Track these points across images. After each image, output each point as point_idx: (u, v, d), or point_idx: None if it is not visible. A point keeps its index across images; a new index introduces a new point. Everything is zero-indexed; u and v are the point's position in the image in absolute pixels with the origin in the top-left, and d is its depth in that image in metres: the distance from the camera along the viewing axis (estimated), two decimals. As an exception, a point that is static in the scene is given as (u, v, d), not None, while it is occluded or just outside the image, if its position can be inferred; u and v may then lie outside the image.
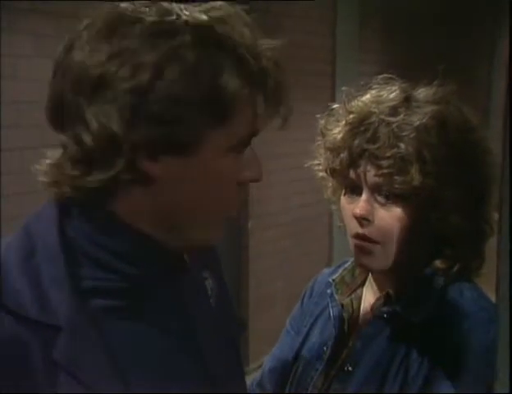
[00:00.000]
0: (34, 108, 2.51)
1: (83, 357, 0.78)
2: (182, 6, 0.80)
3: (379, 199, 1.13)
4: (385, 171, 1.10)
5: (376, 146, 1.10)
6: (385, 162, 1.09)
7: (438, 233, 1.14)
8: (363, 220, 1.13)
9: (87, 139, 0.76)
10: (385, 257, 1.14)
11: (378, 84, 1.19)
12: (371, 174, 1.12)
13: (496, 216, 1.18)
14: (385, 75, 1.21)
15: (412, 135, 1.09)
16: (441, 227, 1.13)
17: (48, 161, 0.82)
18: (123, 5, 0.80)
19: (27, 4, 2.89)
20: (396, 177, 1.09)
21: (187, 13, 0.79)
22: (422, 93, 1.17)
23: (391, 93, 1.15)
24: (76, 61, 0.77)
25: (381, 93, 1.17)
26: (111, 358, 0.79)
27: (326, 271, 1.38)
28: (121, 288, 0.82)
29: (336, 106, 1.20)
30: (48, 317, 0.76)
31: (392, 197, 1.12)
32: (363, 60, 5.30)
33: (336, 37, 5.12)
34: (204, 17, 0.79)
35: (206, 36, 0.78)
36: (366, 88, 1.20)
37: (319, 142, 1.21)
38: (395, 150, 1.09)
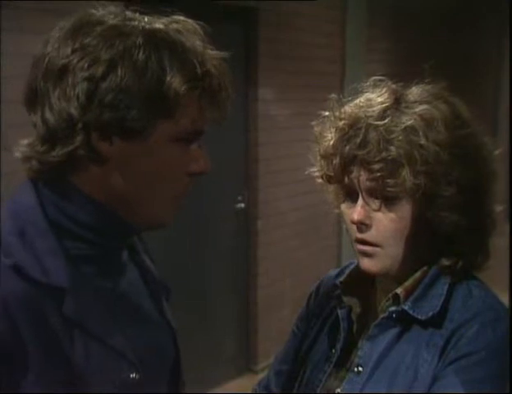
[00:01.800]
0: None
1: (89, 312, 0.95)
2: (146, 17, 0.96)
3: (375, 203, 1.13)
4: (377, 174, 1.10)
5: (366, 151, 1.10)
6: (376, 166, 1.10)
7: (438, 231, 1.14)
8: (361, 225, 1.14)
9: (51, 118, 0.91)
10: (387, 259, 1.15)
11: (369, 87, 1.20)
12: (363, 179, 1.13)
13: (498, 209, 1.19)
14: (375, 77, 1.20)
15: (400, 138, 1.09)
16: (438, 225, 1.13)
17: (25, 141, 0.97)
18: (94, 11, 0.96)
19: (34, 3, 2.90)
20: (388, 180, 1.10)
21: (146, 22, 0.95)
22: (411, 93, 1.16)
23: (380, 96, 1.16)
24: (47, 53, 0.93)
25: (371, 96, 1.17)
26: (107, 312, 0.99)
27: (331, 273, 1.38)
28: (93, 254, 0.98)
29: (327, 113, 1.20)
30: (50, 279, 0.91)
31: (387, 200, 1.12)
32: (371, 60, 5.30)
33: (345, 36, 5.11)
34: (162, 26, 0.94)
35: (157, 40, 0.92)
36: (356, 92, 1.20)
37: (315, 149, 1.22)
38: (385, 154, 1.09)
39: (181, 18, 0.98)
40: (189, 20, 0.98)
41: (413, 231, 1.13)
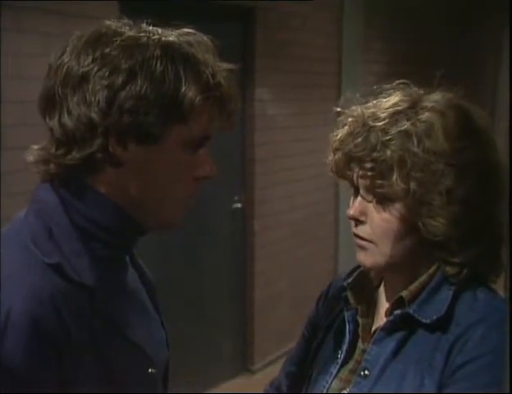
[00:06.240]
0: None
1: (115, 309, 1.02)
2: (159, 29, 1.01)
3: (370, 200, 1.16)
4: (368, 173, 1.13)
5: (361, 148, 1.13)
6: (367, 165, 1.13)
7: (427, 238, 1.13)
8: (355, 221, 1.18)
9: (69, 123, 0.95)
10: (380, 256, 1.17)
11: (390, 89, 1.21)
12: (358, 176, 1.16)
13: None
14: (401, 80, 1.21)
15: (395, 141, 1.10)
16: (426, 232, 1.12)
17: (36, 147, 1.02)
18: (109, 22, 1.00)
19: (34, 3, 2.89)
20: (378, 181, 1.12)
21: (161, 34, 1.00)
22: (428, 99, 1.16)
23: (394, 99, 1.17)
24: (66, 62, 0.97)
25: (386, 99, 1.18)
26: (128, 309, 1.06)
27: (341, 275, 1.38)
28: (107, 255, 1.02)
29: (339, 109, 1.23)
30: (81, 278, 0.97)
31: (380, 199, 1.14)
32: (368, 60, 5.30)
33: (342, 36, 5.11)
34: (175, 39, 0.99)
35: (173, 52, 0.97)
36: (376, 94, 1.21)
37: None
38: (376, 154, 1.11)
39: (192, 31, 1.03)
40: (199, 33, 1.03)
41: (406, 233, 1.14)
